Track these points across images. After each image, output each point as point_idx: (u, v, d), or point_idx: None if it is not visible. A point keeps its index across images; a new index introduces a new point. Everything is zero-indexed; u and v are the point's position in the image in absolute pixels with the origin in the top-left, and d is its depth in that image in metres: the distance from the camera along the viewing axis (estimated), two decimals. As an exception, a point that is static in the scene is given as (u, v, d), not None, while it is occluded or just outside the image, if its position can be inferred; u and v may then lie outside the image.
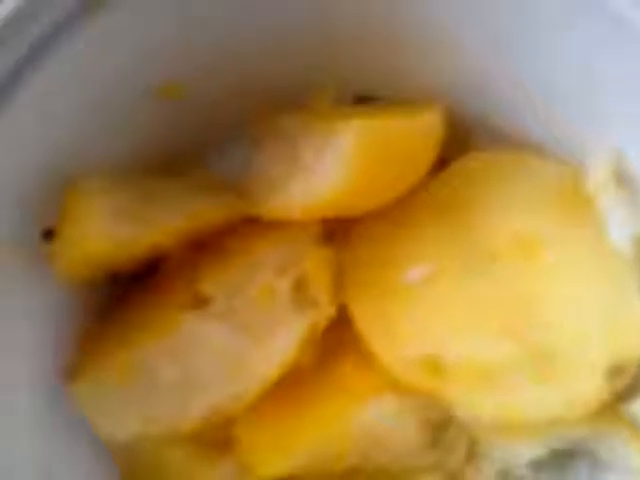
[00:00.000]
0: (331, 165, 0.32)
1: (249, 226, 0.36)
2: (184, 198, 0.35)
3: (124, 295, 0.36)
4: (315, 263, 0.35)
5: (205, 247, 0.36)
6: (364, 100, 0.39)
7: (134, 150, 0.36)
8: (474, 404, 0.31)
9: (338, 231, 0.36)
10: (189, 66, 0.35)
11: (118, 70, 0.33)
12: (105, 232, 0.31)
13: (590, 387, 0.31)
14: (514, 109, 0.36)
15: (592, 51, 0.31)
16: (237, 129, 0.38)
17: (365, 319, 0.34)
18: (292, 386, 0.34)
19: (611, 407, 0.31)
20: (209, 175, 0.38)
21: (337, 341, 0.35)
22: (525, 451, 0.32)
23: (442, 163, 0.37)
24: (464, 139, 0.38)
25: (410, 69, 0.37)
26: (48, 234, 0.32)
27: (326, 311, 0.34)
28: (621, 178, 0.33)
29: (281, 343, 0.34)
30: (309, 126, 0.35)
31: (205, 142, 0.39)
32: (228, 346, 0.33)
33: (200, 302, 0.35)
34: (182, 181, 0.37)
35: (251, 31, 0.35)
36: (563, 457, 0.33)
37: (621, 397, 0.31)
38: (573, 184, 0.34)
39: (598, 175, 0.33)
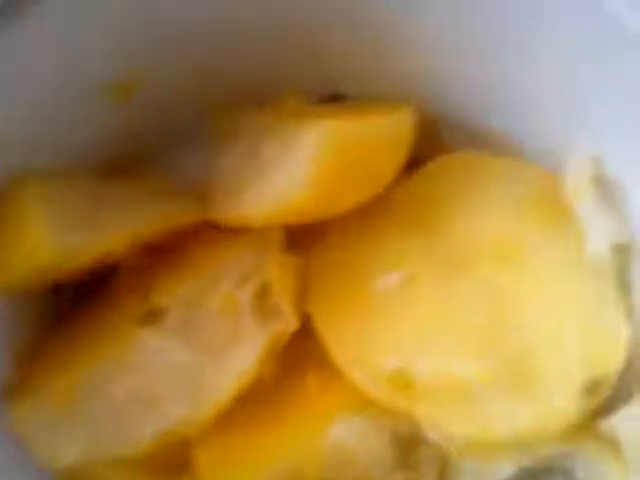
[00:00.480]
0: (295, 167, 0.30)
1: (208, 233, 0.34)
2: (137, 203, 0.33)
3: (69, 307, 0.33)
4: (278, 271, 0.33)
5: (160, 255, 0.33)
6: (334, 99, 0.37)
7: (83, 152, 0.34)
8: (445, 422, 0.30)
9: (302, 237, 0.34)
10: (142, 62, 0.32)
11: (64, 67, 0.30)
12: (46, 240, 0.29)
13: (566, 403, 0.29)
14: (492, 110, 0.35)
15: (574, 53, 0.29)
16: (196, 129, 0.36)
17: (330, 331, 0.33)
18: (253, 403, 0.31)
19: (587, 423, 0.30)
20: (166, 178, 0.36)
21: (301, 354, 0.33)
22: (498, 469, 0.31)
23: (414, 164, 0.35)
24: (438, 140, 0.37)
25: (383, 68, 0.36)
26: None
27: (290, 322, 0.32)
28: (600, 185, 0.32)
29: (242, 358, 0.32)
30: (273, 126, 0.33)
31: (161, 143, 0.36)
32: (184, 363, 0.31)
33: (154, 315, 0.32)
34: (136, 185, 0.34)
35: (210, 24, 0.33)
36: (538, 475, 0.32)
37: (598, 412, 0.30)
38: (553, 188, 0.33)
39: (576, 181, 0.32)
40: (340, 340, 0.32)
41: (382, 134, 0.32)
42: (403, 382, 0.31)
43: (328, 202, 0.32)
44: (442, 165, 0.35)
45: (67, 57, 0.30)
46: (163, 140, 0.36)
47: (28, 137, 0.30)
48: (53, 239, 0.28)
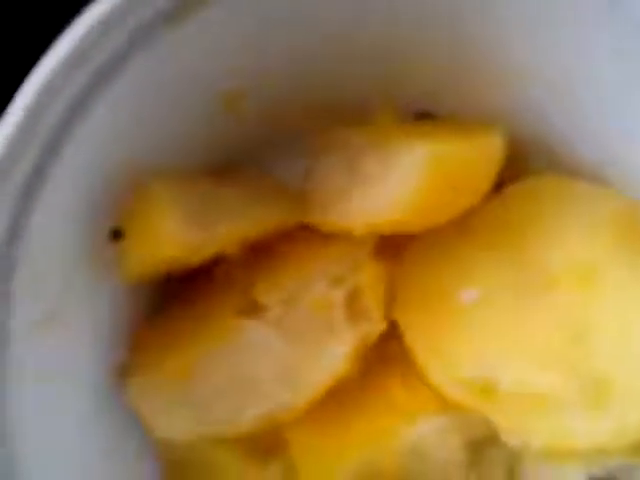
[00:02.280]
0: (395, 185, 0.33)
1: (306, 235, 0.36)
2: (245, 205, 0.36)
3: (177, 293, 0.36)
4: (370, 276, 0.36)
5: (261, 253, 0.36)
6: (424, 117, 0.39)
7: (200, 154, 0.37)
8: (523, 430, 0.32)
9: (391, 246, 0.37)
10: (256, 74, 0.35)
11: (194, 73, 0.33)
12: (177, 236, 0.32)
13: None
14: (578, 135, 0.37)
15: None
16: (298, 138, 0.38)
17: (415, 336, 0.35)
18: (340, 397, 0.34)
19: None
20: (267, 183, 0.38)
21: (386, 356, 0.36)
22: (569, 476, 0.33)
23: (498, 185, 0.37)
24: (521, 162, 0.39)
25: (473, 90, 0.38)
26: (116, 234, 0.32)
27: (378, 325, 0.35)
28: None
29: (334, 354, 0.34)
30: (373, 142, 0.36)
31: (266, 149, 0.39)
32: (282, 354, 0.34)
33: (255, 309, 0.35)
34: (242, 187, 0.37)
35: (317, 43, 0.35)
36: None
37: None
38: (630, 214, 0.35)
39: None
40: (424, 346, 0.35)
41: (477, 156, 0.35)
42: (484, 388, 0.33)
43: (422, 218, 0.34)
44: (524, 188, 0.37)
45: (203, 62, 0.32)
46: (269, 146, 0.39)
47: (162, 139, 0.33)
48: (182, 237, 0.31)
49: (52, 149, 0.30)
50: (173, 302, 0.36)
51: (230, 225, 0.34)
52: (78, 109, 0.30)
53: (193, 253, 0.32)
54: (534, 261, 0.36)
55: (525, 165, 0.39)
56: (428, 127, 0.37)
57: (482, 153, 0.35)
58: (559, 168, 0.38)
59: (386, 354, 0.36)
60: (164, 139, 0.34)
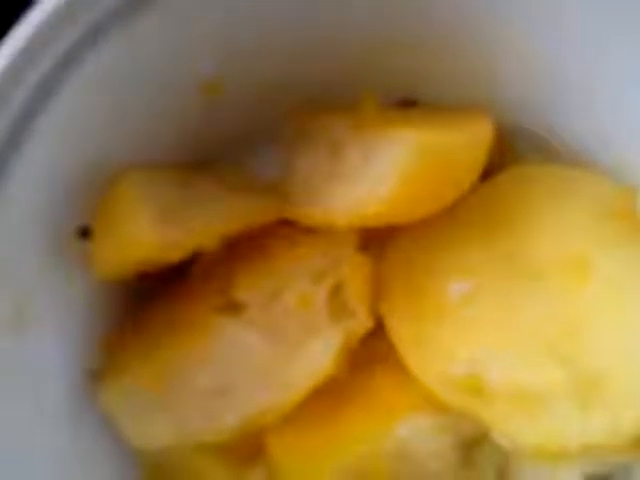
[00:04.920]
0: (379, 176, 0.32)
1: (286, 230, 0.35)
2: (223, 199, 0.34)
3: (154, 293, 0.35)
4: (353, 271, 0.34)
5: (240, 249, 0.35)
6: (408, 105, 0.38)
7: (174, 147, 0.35)
8: (514, 429, 0.31)
9: (375, 238, 0.35)
10: (231, 63, 0.33)
11: (163, 67, 0.31)
12: (146, 236, 0.30)
13: (634, 417, 0.31)
14: (568, 123, 0.36)
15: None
16: (276, 129, 0.37)
17: (402, 332, 0.34)
18: (326, 397, 0.33)
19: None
20: (246, 175, 0.37)
21: (372, 353, 0.34)
22: (560, 476, 0.32)
23: (486, 173, 0.36)
24: (511, 149, 0.37)
25: (457, 75, 0.36)
26: (84, 232, 0.30)
27: (363, 322, 0.34)
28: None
29: (317, 354, 0.33)
30: (356, 131, 0.34)
31: (243, 141, 0.37)
32: (263, 355, 0.32)
33: (235, 307, 0.34)
34: (220, 181, 0.35)
35: (296, 30, 0.34)
36: (598, 481, 0.33)
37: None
38: (627, 205, 0.34)
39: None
40: (411, 342, 0.33)
41: (463, 145, 0.33)
42: (473, 387, 0.32)
43: (408, 210, 0.33)
44: (512, 177, 0.36)
45: (173, 56, 0.31)
46: (246, 138, 0.37)
47: (133, 132, 0.31)
48: (153, 234, 0.30)
49: (13, 144, 0.28)
50: (149, 302, 0.35)
51: (206, 220, 0.32)
52: (40, 98, 0.28)
53: (167, 251, 0.31)
54: (524, 252, 0.34)
55: (512, 152, 0.38)
56: (412, 115, 0.36)
57: (469, 141, 0.34)
58: (545, 153, 0.37)
59: (373, 352, 0.34)
60: (135, 133, 0.33)
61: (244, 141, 0.37)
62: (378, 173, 0.32)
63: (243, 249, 0.35)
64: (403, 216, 0.33)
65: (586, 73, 0.33)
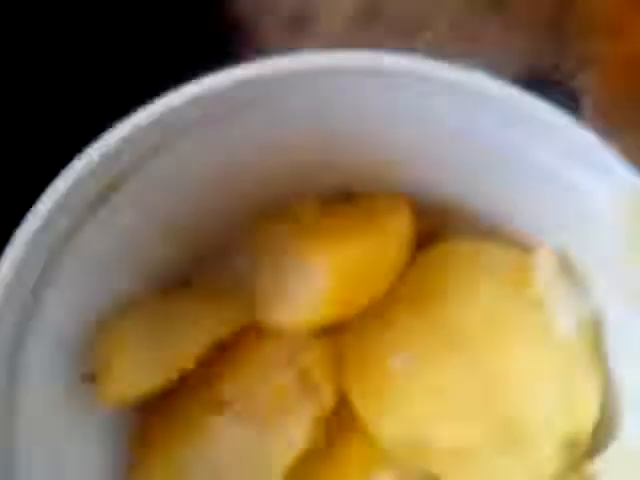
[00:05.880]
0: (311, 290, 0.38)
1: (256, 327, 0.42)
2: (200, 315, 0.41)
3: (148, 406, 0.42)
4: (315, 355, 0.42)
5: (219, 351, 0.42)
6: (342, 198, 0.44)
7: (152, 277, 0.42)
8: (456, 478, 0.38)
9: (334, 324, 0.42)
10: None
11: (141, 231, 0.38)
12: (138, 377, 0.38)
13: (549, 456, 0.37)
14: (469, 200, 0.41)
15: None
16: (237, 240, 0.43)
17: (361, 403, 0.41)
18: (303, 468, 0.40)
19: (565, 474, 0.38)
20: (216, 286, 0.44)
21: (342, 425, 0.42)
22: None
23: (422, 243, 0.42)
24: (432, 228, 0.43)
25: (386, 172, 0.42)
26: (90, 378, 0.39)
27: (329, 398, 0.41)
28: (566, 266, 0.39)
29: (292, 432, 0.41)
30: (291, 242, 0.41)
31: (209, 254, 0.44)
32: (250, 445, 0.40)
33: (222, 405, 0.41)
34: (194, 296, 0.43)
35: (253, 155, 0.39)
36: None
37: (575, 465, 0.38)
38: (530, 272, 0.40)
39: (544, 268, 0.38)
40: (369, 411, 0.41)
41: (387, 248, 0.40)
42: (418, 445, 0.39)
43: (347, 309, 0.40)
44: (436, 254, 0.42)
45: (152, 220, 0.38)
46: (212, 252, 0.44)
47: (119, 276, 0.39)
48: (143, 375, 0.37)
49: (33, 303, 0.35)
50: (147, 414, 0.42)
51: (189, 345, 0.40)
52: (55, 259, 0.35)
53: (158, 381, 0.38)
54: (455, 321, 0.41)
55: (437, 230, 0.43)
56: (340, 221, 0.42)
57: (392, 242, 0.40)
58: (469, 231, 0.42)
59: (342, 424, 0.42)
60: (124, 277, 0.40)
61: (213, 255, 0.45)
62: (309, 288, 0.39)
63: (223, 351, 0.42)
64: (346, 314, 0.40)
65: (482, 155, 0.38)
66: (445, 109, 0.35)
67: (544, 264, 0.38)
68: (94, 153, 0.33)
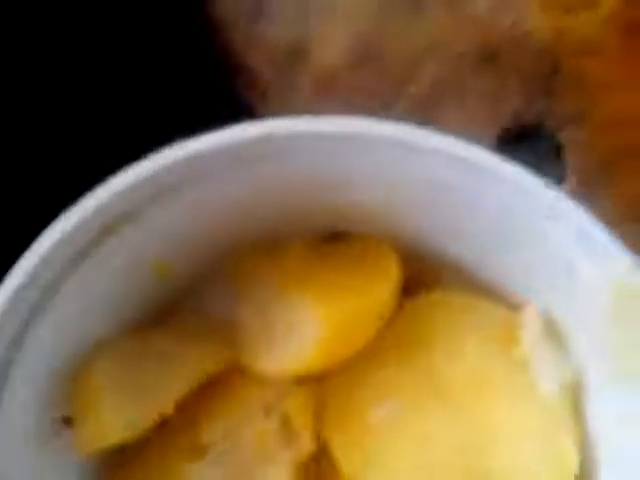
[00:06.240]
0: (297, 343, 0.38)
1: (238, 369, 0.42)
2: (182, 357, 0.40)
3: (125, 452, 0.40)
4: (297, 402, 0.41)
5: (199, 395, 0.41)
6: (331, 239, 0.43)
7: (130, 319, 0.41)
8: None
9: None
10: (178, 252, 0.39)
11: (124, 273, 0.37)
12: (117, 421, 0.37)
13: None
14: (463, 253, 0.41)
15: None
16: (220, 278, 0.43)
17: (341, 454, 0.41)
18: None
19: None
20: (197, 324, 0.43)
21: (320, 473, 0.41)
22: None
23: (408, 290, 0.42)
24: (429, 271, 0.43)
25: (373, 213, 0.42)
26: (67, 420, 0.38)
27: (308, 446, 0.41)
28: (549, 328, 0.39)
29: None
30: (279, 285, 0.40)
31: (191, 291, 0.43)
32: None
33: (201, 450, 0.41)
34: (177, 334, 0.42)
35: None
36: None
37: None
38: (517, 331, 0.40)
39: (528, 330, 0.39)
40: (348, 464, 0.41)
41: (377, 299, 0.40)
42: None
43: (335, 360, 0.39)
44: (424, 304, 0.42)
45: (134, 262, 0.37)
46: (193, 288, 0.44)
47: (100, 323, 0.38)
48: (123, 423, 0.37)
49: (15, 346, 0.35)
50: (124, 461, 0.40)
51: (170, 390, 0.39)
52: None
53: (138, 428, 0.38)
54: (441, 373, 0.41)
55: (432, 273, 0.43)
56: (330, 264, 0.42)
57: (380, 293, 0.40)
58: (457, 281, 0.43)
59: (323, 473, 0.41)
60: (103, 322, 0.39)
61: (194, 291, 0.44)
62: (296, 342, 0.38)
63: (203, 395, 0.42)
64: (328, 367, 0.40)
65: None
66: (433, 169, 0.35)
67: (530, 325, 0.39)
68: (81, 209, 0.32)
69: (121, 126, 0.47)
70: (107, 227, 0.33)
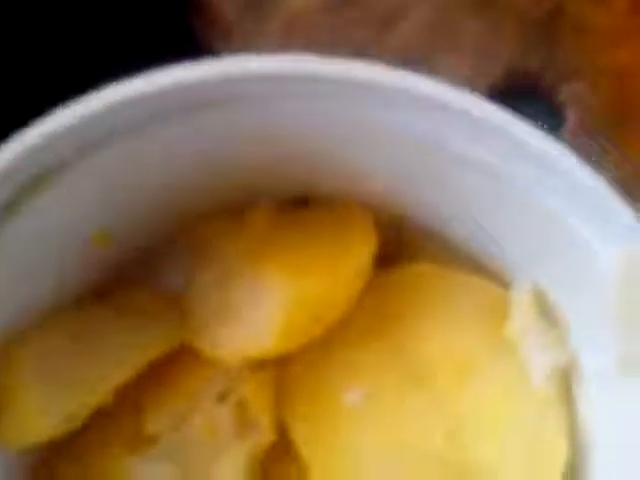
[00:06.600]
0: (261, 320, 0.33)
1: (187, 354, 0.36)
2: (123, 336, 0.35)
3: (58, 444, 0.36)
4: (254, 387, 0.36)
5: (144, 377, 0.36)
6: (301, 204, 0.38)
7: (72, 289, 0.35)
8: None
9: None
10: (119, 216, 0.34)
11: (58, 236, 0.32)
12: (47, 416, 0.32)
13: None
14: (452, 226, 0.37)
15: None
16: (173, 246, 0.37)
17: (304, 443, 0.36)
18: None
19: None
20: (147, 299, 0.37)
21: (279, 461, 0.37)
22: None
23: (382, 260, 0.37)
24: (406, 241, 0.38)
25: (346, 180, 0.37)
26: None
27: (266, 435, 0.36)
28: (541, 310, 0.35)
29: (225, 474, 0.36)
30: (241, 256, 0.35)
31: (141, 264, 0.38)
32: None
33: (145, 442, 0.36)
34: (113, 310, 0.36)
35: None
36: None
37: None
38: (503, 306, 0.36)
39: (519, 313, 0.35)
40: (317, 454, 0.36)
41: (348, 274, 0.35)
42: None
43: (299, 341, 0.35)
44: (398, 278, 0.37)
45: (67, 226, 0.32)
46: (143, 261, 0.38)
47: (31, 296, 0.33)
48: (48, 416, 0.31)
49: None
50: (58, 450, 0.35)
51: (107, 377, 0.34)
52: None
53: (67, 420, 0.32)
54: (414, 354, 0.36)
55: (408, 243, 0.39)
56: (297, 235, 0.36)
57: (351, 267, 0.35)
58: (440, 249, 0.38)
59: (280, 459, 0.37)
60: (29, 296, 0.33)
61: (144, 264, 0.38)
62: (260, 318, 0.33)
63: (148, 377, 0.37)
64: (291, 348, 0.35)
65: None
66: (419, 122, 0.30)
67: (521, 303, 0.34)
68: (19, 146, 0.26)
69: (71, 57, 0.41)
70: (25, 186, 0.27)
